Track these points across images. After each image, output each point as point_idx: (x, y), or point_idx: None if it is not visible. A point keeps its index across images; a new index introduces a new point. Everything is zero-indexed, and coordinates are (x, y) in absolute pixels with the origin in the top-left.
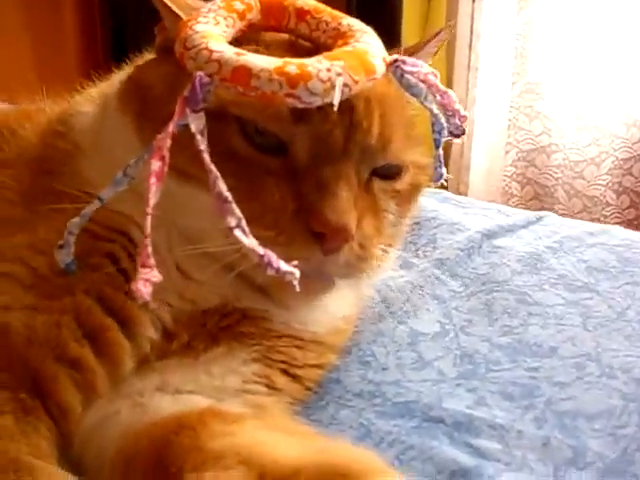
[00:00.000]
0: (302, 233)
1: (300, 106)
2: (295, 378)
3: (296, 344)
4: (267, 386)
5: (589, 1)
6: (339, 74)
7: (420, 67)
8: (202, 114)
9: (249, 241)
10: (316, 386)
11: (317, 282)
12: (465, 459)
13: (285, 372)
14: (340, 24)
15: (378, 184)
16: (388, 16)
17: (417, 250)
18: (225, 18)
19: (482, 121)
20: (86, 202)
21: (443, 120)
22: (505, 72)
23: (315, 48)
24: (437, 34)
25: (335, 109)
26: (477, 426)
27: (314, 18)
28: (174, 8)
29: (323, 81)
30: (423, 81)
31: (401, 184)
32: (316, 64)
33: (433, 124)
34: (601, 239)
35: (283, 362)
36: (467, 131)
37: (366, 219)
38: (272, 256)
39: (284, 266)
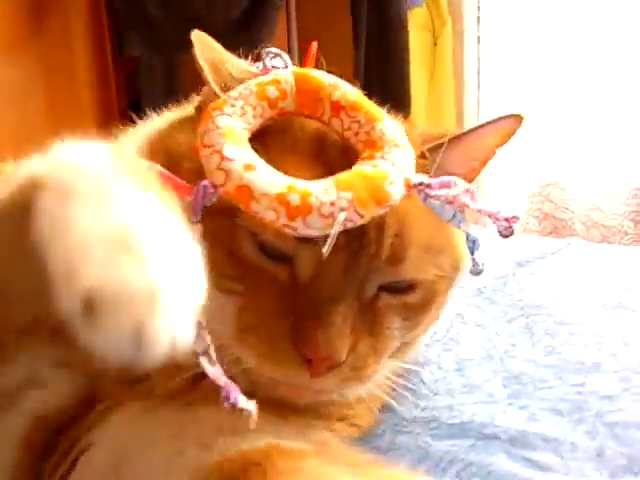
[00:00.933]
0: (292, 354)
1: (298, 236)
2: (351, 424)
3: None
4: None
5: (592, 38)
6: (343, 209)
7: (448, 189)
8: (199, 226)
9: (213, 370)
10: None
11: (309, 394)
12: (524, 472)
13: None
14: (373, 129)
15: (385, 299)
16: (395, 60)
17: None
18: (254, 107)
19: (494, 162)
20: None
21: (474, 237)
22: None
23: (343, 148)
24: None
25: (325, 251)
26: (532, 440)
27: (348, 116)
28: (213, 85)
29: (324, 216)
30: (451, 202)
31: (413, 297)
32: (322, 195)
33: (467, 237)
34: (630, 259)
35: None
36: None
37: (363, 340)
38: (232, 390)
39: (242, 402)
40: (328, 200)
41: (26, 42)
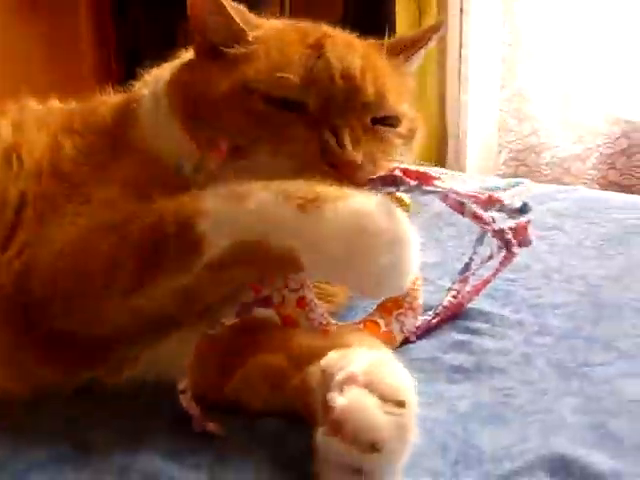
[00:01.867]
0: (320, 165)
1: None
2: (327, 300)
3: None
4: None
5: (569, 8)
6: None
7: None
8: None
9: (186, 404)
10: None
11: None
12: (462, 336)
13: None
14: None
15: (384, 128)
16: (380, 30)
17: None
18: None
19: (474, 126)
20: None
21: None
22: (494, 78)
23: None
24: (431, 30)
25: None
26: (470, 313)
27: None
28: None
29: None
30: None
31: (402, 129)
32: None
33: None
34: (570, 194)
35: None
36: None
37: (373, 149)
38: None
39: (210, 427)
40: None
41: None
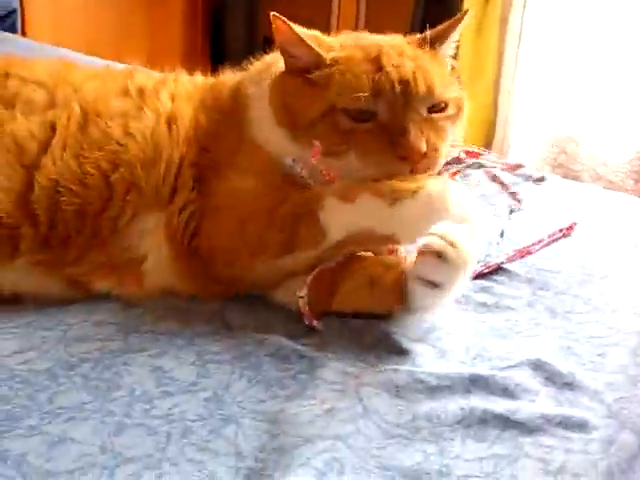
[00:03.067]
0: (395, 160)
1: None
2: None
3: None
4: None
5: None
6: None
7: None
8: None
9: (302, 305)
10: None
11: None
12: None
13: None
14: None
15: (436, 116)
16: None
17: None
18: None
19: (522, 111)
20: (261, 151)
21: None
22: (546, 71)
23: None
24: (458, 20)
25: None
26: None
27: None
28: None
29: None
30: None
31: (450, 111)
32: None
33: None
34: (583, 190)
35: None
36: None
37: (432, 137)
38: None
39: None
40: None
41: None
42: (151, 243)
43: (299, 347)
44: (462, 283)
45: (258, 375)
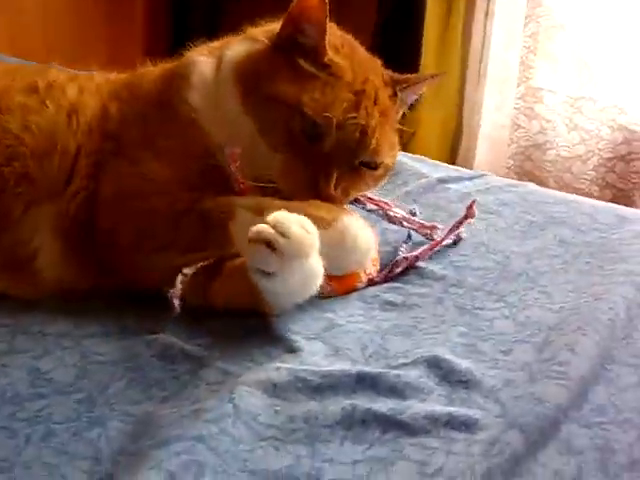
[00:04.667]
0: (307, 192)
1: None
2: None
3: None
4: None
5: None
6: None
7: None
8: None
9: (179, 282)
10: None
11: None
12: None
13: None
14: None
15: (365, 171)
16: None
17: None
18: None
19: (488, 121)
20: (190, 126)
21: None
22: (510, 78)
23: None
24: (432, 77)
25: None
26: None
27: None
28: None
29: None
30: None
31: (379, 172)
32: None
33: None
34: (519, 189)
35: None
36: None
37: (350, 187)
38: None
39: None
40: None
41: None
42: (43, 237)
43: (188, 347)
44: (305, 271)
45: (140, 376)
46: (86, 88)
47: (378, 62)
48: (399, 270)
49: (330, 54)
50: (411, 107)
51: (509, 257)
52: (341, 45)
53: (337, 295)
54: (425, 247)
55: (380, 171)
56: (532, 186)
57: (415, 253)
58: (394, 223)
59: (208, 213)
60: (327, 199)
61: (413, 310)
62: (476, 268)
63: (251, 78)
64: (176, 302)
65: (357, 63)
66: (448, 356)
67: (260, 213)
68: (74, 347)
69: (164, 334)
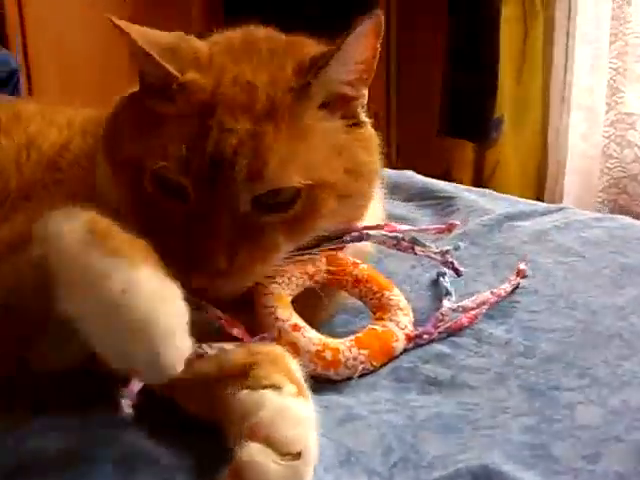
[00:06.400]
0: (187, 269)
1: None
2: None
3: None
4: None
5: None
6: (363, 362)
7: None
8: None
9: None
10: None
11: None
12: None
13: None
14: (383, 296)
15: (266, 217)
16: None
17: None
18: (297, 279)
19: (575, 151)
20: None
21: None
22: (598, 103)
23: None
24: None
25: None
26: None
27: (365, 287)
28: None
29: (348, 368)
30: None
31: (294, 211)
32: (346, 352)
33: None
34: (608, 224)
35: None
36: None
37: (243, 252)
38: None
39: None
40: (352, 356)
41: None
42: None
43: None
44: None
45: None
46: (55, 121)
47: (296, 45)
48: (447, 326)
49: (186, 74)
50: (493, 141)
51: (596, 313)
52: (209, 55)
53: (372, 369)
54: (477, 299)
55: (300, 206)
56: (624, 219)
57: (471, 307)
58: (402, 250)
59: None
60: (206, 277)
61: (463, 392)
62: (551, 329)
63: (116, 148)
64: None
65: (229, 66)
66: (506, 466)
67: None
68: None
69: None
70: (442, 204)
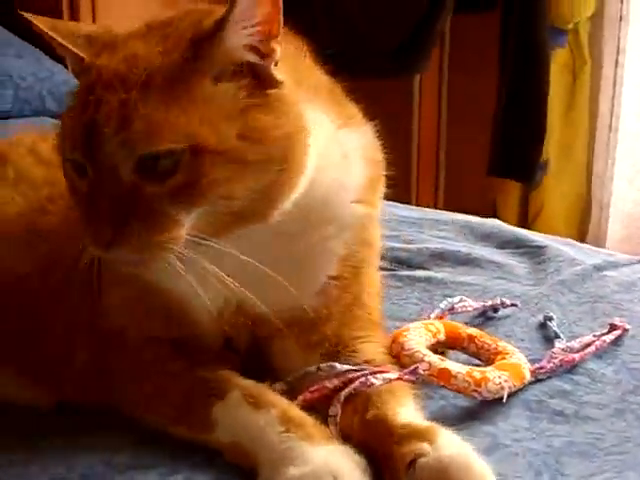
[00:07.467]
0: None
1: (479, 399)
2: None
3: None
4: None
5: None
6: (506, 381)
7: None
8: None
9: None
10: None
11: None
12: None
13: None
14: (498, 345)
15: (150, 187)
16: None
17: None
18: (424, 335)
19: (620, 196)
20: None
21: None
22: None
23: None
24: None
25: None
26: None
27: (480, 341)
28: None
29: (496, 384)
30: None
31: (176, 180)
32: (492, 372)
33: None
34: None
35: None
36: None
37: (134, 223)
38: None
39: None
40: (496, 375)
41: None
42: None
43: None
44: None
45: None
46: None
47: (205, 13)
48: (559, 360)
49: (90, 59)
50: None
51: None
52: (123, 38)
53: (515, 389)
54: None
55: (183, 173)
56: None
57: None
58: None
59: (200, 382)
60: (98, 248)
61: (588, 424)
62: None
63: None
64: None
65: (131, 45)
66: None
67: (255, 405)
68: None
69: None
70: (534, 253)
